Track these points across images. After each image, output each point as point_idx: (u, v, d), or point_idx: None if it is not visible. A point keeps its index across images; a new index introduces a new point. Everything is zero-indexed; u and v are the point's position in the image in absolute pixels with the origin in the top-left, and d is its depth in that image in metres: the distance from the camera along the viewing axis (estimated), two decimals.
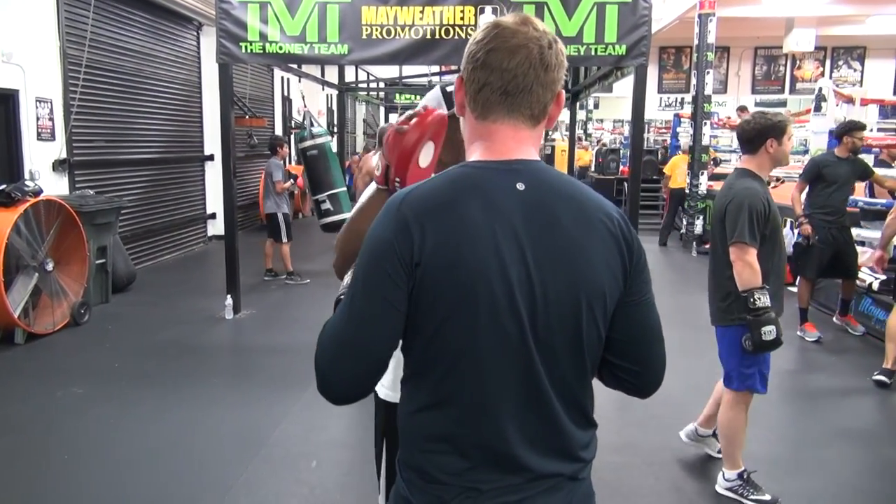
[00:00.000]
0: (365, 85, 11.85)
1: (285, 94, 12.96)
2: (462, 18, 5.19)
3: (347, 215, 7.23)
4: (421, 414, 1.06)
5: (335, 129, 12.17)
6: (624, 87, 15.64)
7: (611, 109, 21.11)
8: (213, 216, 9.96)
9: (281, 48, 5.29)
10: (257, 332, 5.55)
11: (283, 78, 12.48)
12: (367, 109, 18.56)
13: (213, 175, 9.88)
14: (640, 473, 3.19)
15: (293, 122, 13.48)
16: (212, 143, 9.75)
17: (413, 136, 1.30)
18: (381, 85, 13.11)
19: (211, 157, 9.74)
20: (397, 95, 13.95)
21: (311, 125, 7.01)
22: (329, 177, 6.66)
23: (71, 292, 5.36)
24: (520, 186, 1.03)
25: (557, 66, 1.05)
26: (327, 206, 6.80)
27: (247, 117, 9.87)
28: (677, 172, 10.13)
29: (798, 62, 15.97)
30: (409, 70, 11.07)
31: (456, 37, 5.21)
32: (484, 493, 1.03)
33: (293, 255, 7.39)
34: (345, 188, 7.04)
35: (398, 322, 1.01)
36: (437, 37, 5.21)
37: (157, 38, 8.13)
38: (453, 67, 8.73)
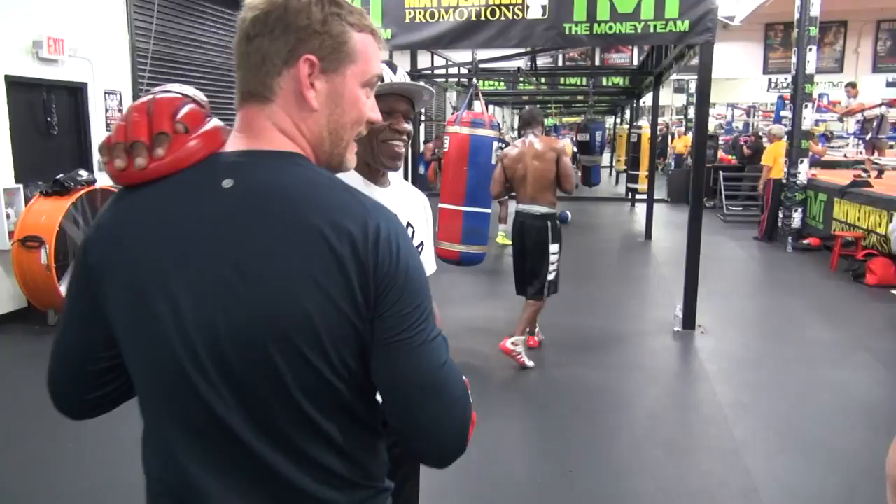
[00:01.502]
0: (443, 72, 11.63)
1: None
2: None
3: None
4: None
5: None
6: (731, 67, 14.68)
7: (721, 93, 19.59)
8: None
9: None
10: None
11: None
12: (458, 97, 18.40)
13: None
14: None
15: None
16: None
17: (193, 150, 0.90)
18: (456, 71, 12.86)
19: None
20: (482, 82, 13.65)
21: None
22: None
23: None
24: (226, 184, 0.84)
25: (269, 31, 0.86)
26: None
27: None
28: (780, 161, 9.23)
29: None
30: (487, 53, 10.74)
31: (503, 17, 4.91)
32: None
33: None
34: None
35: (91, 329, 0.91)
36: (483, 18, 4.94)
37: (223, 28, 8.26)
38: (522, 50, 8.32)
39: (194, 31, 7.65)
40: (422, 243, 1.57)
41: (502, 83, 13.36)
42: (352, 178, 1.47)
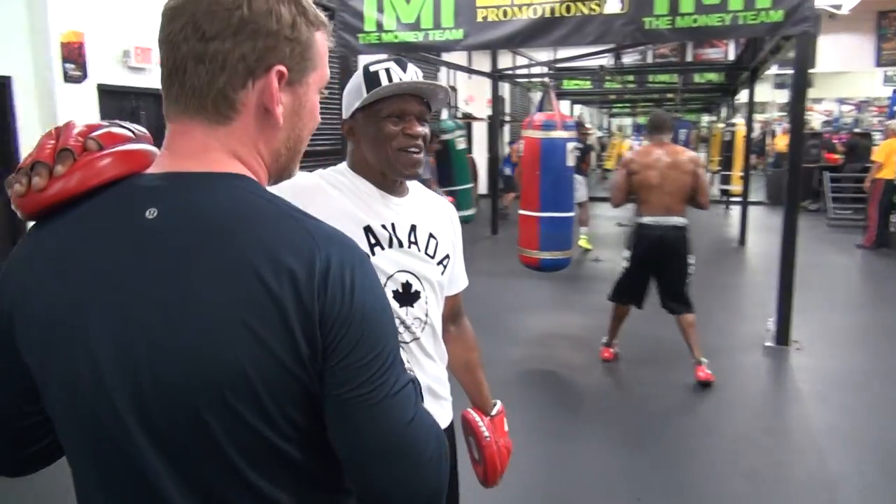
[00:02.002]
0: (525, 71, 11.42)
1: (450, 83, 12.97)
2: None
3: (463, 213, 6.96)
4: None
5: (488, 118, 11.93)
6: (839, 60, 13.65)
7: (829, 87, 18.20)
8: None
9: (396, 37, 5.15)
10: None
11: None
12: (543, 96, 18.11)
13: None
14: None
15: (460, 113, 13.54)
16: None
17: (103, 167, 0.77)
18: (535, 70, 12.62)
19: None
20: (566, 81, 13.34)
21: (447, 119, 6.86)
22: (447, 173, 6.48)
23: None
24: (150, 214, 0.72)
25: (231, 34, 0.72)
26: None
27: None
28: (893, 159, 8.43)
29: None
30: (570, 51, 10.47)
31: (578, 13, 4.69)
32: None
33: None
34: (465, 186, 6.82)
35: (13, 383, 0.79)
36: (558, 15, 4.73)
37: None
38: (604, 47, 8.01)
39: None
40: (447, 256, 1.45)
41: (588, 82, 13.00)
42: (367, 189, 1.36)
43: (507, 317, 5.59)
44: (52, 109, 4.89)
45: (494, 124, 10.73)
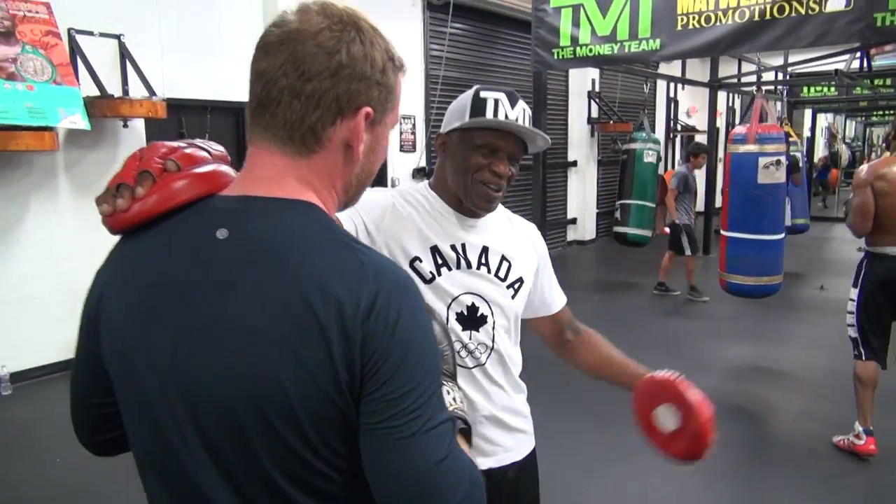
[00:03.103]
0: (752, 79, 10.49)
1: (670, 95, 12.38)
2: None
3: (632, 230, 6.68)
4: None
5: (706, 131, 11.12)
6: None
7: None
8: (574, 221, 10.15)
9: (591, 50, 5.05)
10: None
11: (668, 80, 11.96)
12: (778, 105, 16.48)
13: (576, 181, 10.07)
14: None
15: (680, 125, 12.84)
16: (576, 149, 9.93)
17: (178, 189, 0.83)
18: (764, 77, 11.49)
19: (574, 164, 9.93)
20: (805, 89, 11.99)
21: (639, 129, 6.57)
22: (626, 184, 6.13)
23: None
24: (220, 234, 0.76)
25: (331, 75, 0.77)
26: (617, 214, 6.28)
27: (611, 122, 9.73)
28: None
29: None
30: (803, 54, 9.42)
31: (794, 13, 4.21)
32: None
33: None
34: (643, 202, 6.37)
35: (95, 375, 0.87)
36: (768, 16, 4.29)
37: (515, 51, 8.53)
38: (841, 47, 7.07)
39: (486, 55, 8.09)
40: (520, 279, 1.40)
41: (832, 88, 11.56)
42: (442, 209, 1.36)
43: (705, 343, 5.18)
44: None
45: (711, 137, 10.02)
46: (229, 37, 5.16)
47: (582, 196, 10.13)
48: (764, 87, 5.58)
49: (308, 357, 0.70)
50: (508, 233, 1.43)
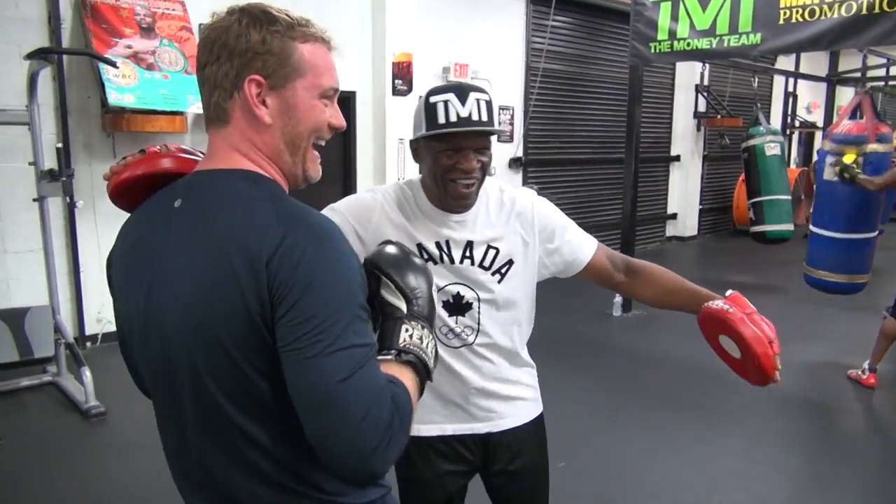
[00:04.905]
0: (882, 72, 9.82)
1: (788, 89, 11.78)
2: None
3: (770, 227, 6.64)
4: None
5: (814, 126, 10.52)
6: None
7: None
8: (674, 216, 9.95)
9: (688, 45, 5.03)
10: (634, 333, 5.46)
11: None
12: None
13: (678, 176, 9.86)
14: None
15: (798, 121, 12.21)
16: (679, 143, 9.72)
17: (160, 161, 1.06)
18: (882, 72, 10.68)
19: (677, 158, 9.73)
20: None
21: (755, 124, 6.35)
22: (753, 183, 5.93)
23: None
24: (176, 203, 0.96)
25: (215, 59, 0.93)
26: (750, 214, 6.07)
27: (718, 117, 9.45)
28: None
29: None
30: None
31: None
32: None
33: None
34: (776, 196, 6.13)
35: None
36: (877, 10, 4.14)
37: (614, 43, 8.41)
38: None
39: (587, 48, 8.09)
40: (509, 262, 1.48)
41: None
42: (427, 207, 1.46)
43: (787, 341, 5.04)
44: (381, 118, 5.91)
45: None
46: (337, 28, 5.54)
47: (684, 191, 9.90)
48: (870, 84, 5.27)
49: (227, 294, 0.86)
50: (498, 217, 1.49)
